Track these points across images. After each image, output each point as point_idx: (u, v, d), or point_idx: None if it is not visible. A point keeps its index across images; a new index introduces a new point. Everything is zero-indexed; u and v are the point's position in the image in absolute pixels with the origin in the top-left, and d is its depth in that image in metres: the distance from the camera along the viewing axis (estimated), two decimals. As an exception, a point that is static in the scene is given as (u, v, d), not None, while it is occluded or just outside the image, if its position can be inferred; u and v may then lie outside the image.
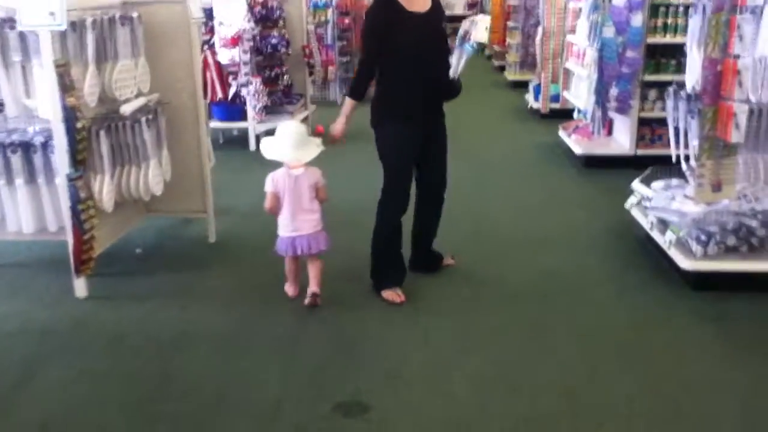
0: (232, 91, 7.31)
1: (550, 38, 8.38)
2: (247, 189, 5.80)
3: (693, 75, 3.68)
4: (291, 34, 7.66)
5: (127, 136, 3.96)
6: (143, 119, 3.99)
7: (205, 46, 7.23)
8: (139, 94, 4.07)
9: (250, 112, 7.11)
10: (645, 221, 4.12)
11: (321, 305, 3.59)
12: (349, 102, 3.70)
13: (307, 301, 3.54)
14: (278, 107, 7.35)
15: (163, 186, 4.23)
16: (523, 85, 11.46)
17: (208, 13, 6.70)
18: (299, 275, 3.71)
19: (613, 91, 5.86)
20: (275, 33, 7.25)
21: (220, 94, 7.39)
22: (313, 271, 3.59)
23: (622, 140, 6.21)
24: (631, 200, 4.32)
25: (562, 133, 6.92)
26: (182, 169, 4.43)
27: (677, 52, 5.82)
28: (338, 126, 3.74)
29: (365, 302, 3.68)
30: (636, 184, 4.30)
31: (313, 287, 3.57)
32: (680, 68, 5.81)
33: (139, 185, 4.06)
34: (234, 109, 7.33)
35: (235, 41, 6.85)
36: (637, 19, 5.65)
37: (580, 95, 6.38)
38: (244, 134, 7.38)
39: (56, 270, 3.95)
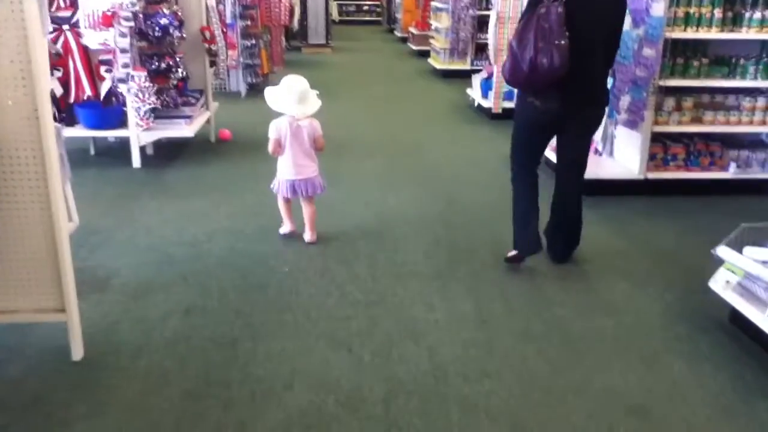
0: (105, 88, 5.36)
1: (505, 24, 6.98)
2: (135, 234, 3.97)
3: None
4: (186, 11, 5.79)
5: None
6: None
7: (65, 26, 5.23)
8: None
9: (133, 117, 5.22)
10: (747, 307, 2.80)
11: None
12: None
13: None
14: (171, 110, 5.49)
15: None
16: (453, 75, 10.13)
17: (67, -21, 4.75)
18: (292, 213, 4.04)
19: (624, 100, 4.53)
20: (164, 10, 5.36)
21: (88, 92, 5.42)
22: (308, 214, 3.98)
23: (627, 161, 4.91)
24: (722, 277, 2.97)
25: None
26: (20, 240, 2.62)
27: (705, 49, 4.59)
28: None
29: None
30: (726, 252, 2.94)
31: (310, 235, 3.98)
32: (709, 71, 4.58)
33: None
34: (110, 112, 5.38)
35: (109, 20, 4.92)
36: (659, 7, 4.33)
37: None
38: (124, 143, 5.46)
39: None
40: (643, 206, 4.69)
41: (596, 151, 4.96)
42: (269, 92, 3.84)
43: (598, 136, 4.74)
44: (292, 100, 3.81)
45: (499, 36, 7.01)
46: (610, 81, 4.48)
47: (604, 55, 3.42)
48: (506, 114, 7.24)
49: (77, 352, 2.76)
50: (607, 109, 4.45)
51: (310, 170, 3.92)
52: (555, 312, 3.23)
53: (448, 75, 10.26)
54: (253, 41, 8.58)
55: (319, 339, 2.95)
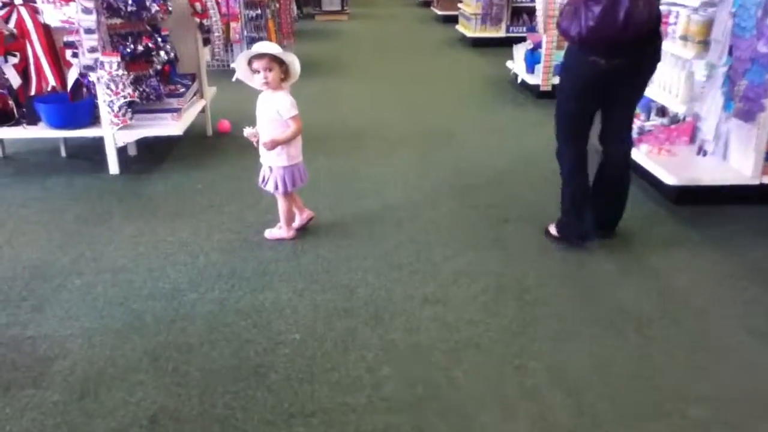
0: (72, 77, 4.34)
1: (557, -15, 5.82)
2: (96, 280, 2.94)
3: None
4: (170, -23, 4.71)
5: None
6: None
7: (17, 0, 4.20)
8: None
9: (105, 114, 4.20)
10: None
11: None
12: None
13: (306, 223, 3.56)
14: (153, 102, 4.45)
15: None
16: (485, 44, 8.98)
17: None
18: None
19: (740, 85, 3.42)
20: (141, -24, 4.28)
21: (52, 82, 4.40)
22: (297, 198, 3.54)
23: (737, 161, 3.80)
24: None
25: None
26: None
27: None
28: None
29: None
30: None
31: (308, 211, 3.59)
32: None
33: None
34: (78, 107, 4.37)
35: (67, -9, 3.88)
36: (793, -43, 3.19)
37: (680, 93, 3.87)
38: (99, 143, 4.44)
39: None
40: (759, 220, 3.61)
41: (700, 150, 3.86)
42: (290, 56, 3.22)
43: (708, 132, 3.63)
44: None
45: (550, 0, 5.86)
46: (725, 59, 3.38)
47: None
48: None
49: None
50: (722, 99, 3.38)
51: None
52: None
53: (479, 44, 9.08)
54: (259, 11, 7.47)
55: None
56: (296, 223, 3.52)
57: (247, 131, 3.29)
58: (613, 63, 3.00)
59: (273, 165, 3.31)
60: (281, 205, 3.39)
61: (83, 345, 2.57)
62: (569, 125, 3.30)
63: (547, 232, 3.48)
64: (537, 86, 6.26)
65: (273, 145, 3.22)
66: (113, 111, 4.16)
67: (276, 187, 3.34)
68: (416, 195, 4.03)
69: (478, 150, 4.86)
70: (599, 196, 3.39)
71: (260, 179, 3.40)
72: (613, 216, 3.44)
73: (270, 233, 3.46)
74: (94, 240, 3.45)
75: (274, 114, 3.23)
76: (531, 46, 6.59)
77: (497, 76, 7.35)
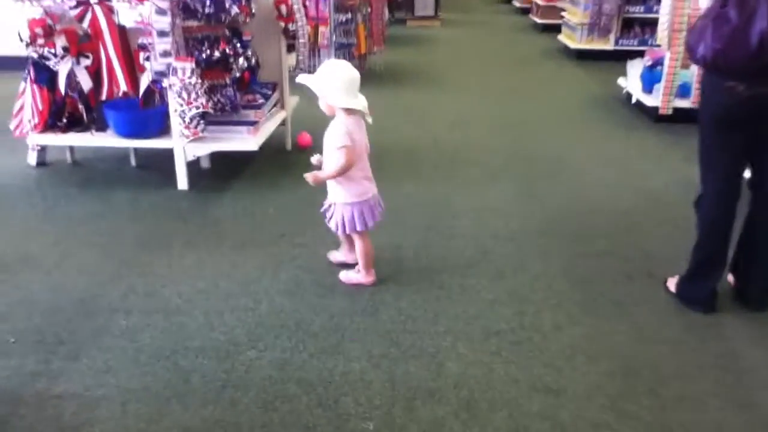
0: (145, 83, 4.01)
1: (687, -3, 5.08)
2: (144, 323, 2.52)
3: None
4: (255, -23, 4.30)
5: None
6: None
7: (92, -2, 3.90)
8: None
9: (176, 125, 3.83)
10: None
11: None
12: None
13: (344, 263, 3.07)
14: (229, 114, 4.05)
15: None
16: (590, 57, 8.22)
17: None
18: None
19: None
20: (223, -25, 3.89)
21: (123, 86, 4.08)
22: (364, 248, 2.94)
23: None
24: None
25: None
26: None
27: None
28: None
29: None
30: None
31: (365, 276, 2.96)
32: None
33: None
34: (147, 115, 4.03)
35: (141, -10, 3.53)
36: None
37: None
38: (170, 153, 4.07)
39: None
40: None
41: None
42: (314, 81, 2.71)
43: None
44: (352, 91, 2.71)
45: (676, 13, 5.12)
46: None
47: None
48: (679, 116, 5.37)
49: None
50: None
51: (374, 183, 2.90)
52: None
53: (584, 56, 8.33)
54: (349, 15, 7.04)
55: None
56: (338, 256, 3.10)
57: (315, 159, 2.84)
58: (756, 90, 2.47)
59: (335, 201, 2.83)
60: (359, 246, 2.89)
61: (115, 413, 2.14)
62: (710, 164, 2.70)
63: (666, 286, 2.90)
64: (655, 108, 5.51)
65: (315, 181, 2.74)
66: (184, 122, 3.78)
67: (336, 228, 2.85)
68: (520, 238, 3.43)
69: (593, 185, 4.19)
70: (750, 260, 2.74)
71: (323, 209, 2.94)
72: (766, 285, 2.77)
73: (346, 276, 2.97)
74: (150, 270, 3.05)
75: (329, 142, 2.75)
76: (649, 62, 5.84)
77: (606, 94, 6.60)
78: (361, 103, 2.73)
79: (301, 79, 2.76)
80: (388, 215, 3.59)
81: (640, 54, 6.41)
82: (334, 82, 2.66)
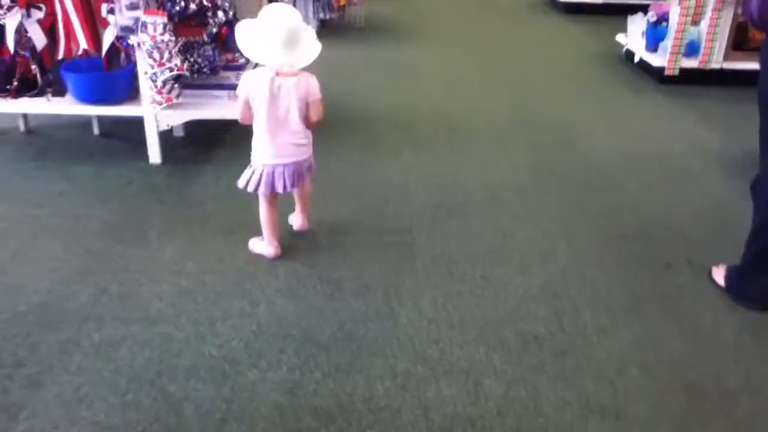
0: (108, 40, 3.48)
1: (704, -57, 4.69)
2: (118, 336, 2.04)
3: None
4: None
5: None
6: None
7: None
8: None
9: (147, 90, 3.33)
10: None
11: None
12: None
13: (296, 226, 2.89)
14: (207, 76, 3.56)
15: None
16: (581, 11, 7.80)
17: None
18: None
19: None
20: None
21: (84, 44, 3.54)
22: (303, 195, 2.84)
23: None
24: None
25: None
26: None
27: None
28: None
29: None
30: None
31: (300, 221, 2.89)
32: None
33: None
34: (113, 77, 3.51)
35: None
36: None
37: None
38: (139, 122, 3.56)
39: None
40: None
41: None
42: (243, 29, 2.51)
43: None
44: (278, 42, 2.43)
45: (691, -39, 4.73)
46: None
47: None
48: (685, 78, 5.05)
49: None
50: None
51: (301, 151, 2.61)
52: None
53: (574, 10, 7.89)
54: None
55: None
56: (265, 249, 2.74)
57: None
58: None
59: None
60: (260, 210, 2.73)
61: (92, 459, 1.75)
62: None
63: (711, 276, 2.61)
64: (661, 69, 5.16)
65: None
66: (156, 86, 3.29)
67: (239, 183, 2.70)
68: (540, 217, 3.08)
69: (608, 154, 3.83)
70: None
71: None
72: None
73: (252, 244, 2.76)
74: (123, 264, 2.62)
75: None
76: (654, 18, 5.45)
77: (603, 51, 6.22)
78: (274, 58, 2.43)
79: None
80: (391, 191, 3.21)
81: (639, 8, 6.01)
82: (248, 30, 2.49)
